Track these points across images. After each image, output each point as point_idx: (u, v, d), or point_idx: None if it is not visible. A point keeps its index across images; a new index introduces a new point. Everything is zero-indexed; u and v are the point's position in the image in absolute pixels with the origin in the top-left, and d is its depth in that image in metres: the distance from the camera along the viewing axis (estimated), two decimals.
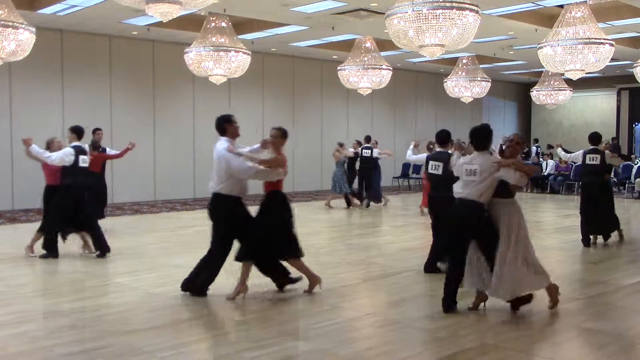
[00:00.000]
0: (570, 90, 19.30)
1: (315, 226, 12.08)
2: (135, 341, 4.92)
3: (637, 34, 15.53)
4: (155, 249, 9.22)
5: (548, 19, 13.17)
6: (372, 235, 10.83)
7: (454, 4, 8.52)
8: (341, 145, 15.28)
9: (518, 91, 26.33)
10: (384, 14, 9.19)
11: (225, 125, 6.38)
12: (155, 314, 5.76)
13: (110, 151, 11.02)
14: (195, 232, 10.94)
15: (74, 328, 5.29)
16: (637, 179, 17.87)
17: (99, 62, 15.23)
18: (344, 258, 8.70)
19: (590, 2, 11.47)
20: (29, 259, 8.33)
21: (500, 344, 4.89)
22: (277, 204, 6.38)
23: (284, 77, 18.89)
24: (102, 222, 9.46)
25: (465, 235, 5.74)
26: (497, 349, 4.78)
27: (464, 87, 17.35)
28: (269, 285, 6.67)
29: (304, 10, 12.56)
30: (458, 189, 5.87)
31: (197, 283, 6.34)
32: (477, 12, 8.75)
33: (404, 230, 11.37)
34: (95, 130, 10.95)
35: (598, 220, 9.61)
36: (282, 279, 6.57)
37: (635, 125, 23.86)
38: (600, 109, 24.42)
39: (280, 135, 6.41)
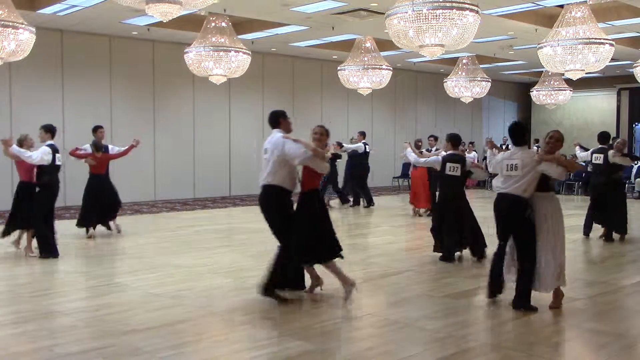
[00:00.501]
0: (570, 90, 19.31)
1: None
2: (135, 341, 4.92)
3: (637, 34, 15.52)
4: (155, 249, 9.22)
5: (548, 19, 13.17)
6: (372, 235, 10.83)
7: (454, 4, 8.53)
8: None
9: (518, 91, 26.33)
10: (384, 14, 9.20)
11: (281, 119, 6.34)
12: (156, 314, 5.76)
13: (112, 149, 10.92)
14: (195, 232, 10.95)
15: (74, 328, 5.28)
16: (637, 179, 17.87)
17: (99, 62, 15.23)
18: (344, 258, 8.69)
19: (590, 2, 11.47)
20: (29, 258, 8.33)
21: (500, 344, 4.89)
22: (318, 202, 6.26)
23: (284, 77, 18.89)
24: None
25: (508, 230, 5.91)
26: (497, 349, 4.78)
27: (464, 87, 17.35)
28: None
29: (304, 10, 12.55)
30: (499, 184, 6.00)
31: (288, 277, 6.17)
32: (477, 12, 8.75)
33: (404, 230, 11.37)
34: (97, 129, 10.78)
35: (604, 214, 9.90)
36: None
37: (635, 125, 23.86)
38: (601, 109, 24.42)
39: (325, 132, 6.36)
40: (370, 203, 14.87)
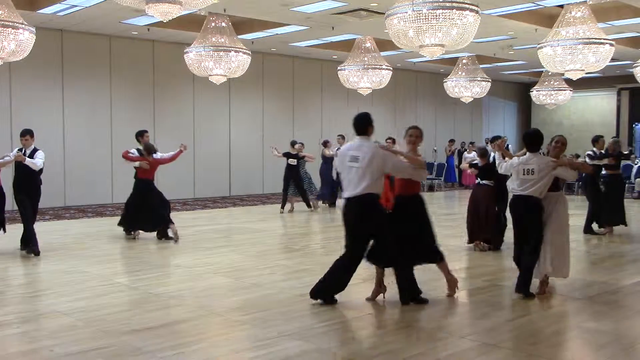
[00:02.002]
0: (570, 90, 19.31)
1: (314, 226, 12.09)
2: (135, 341, 4.92)
3: (637, 34, 15.52)
4: (155, 249, 9.22)
5: (548, 19, 13.17)
6: None
7: (454, 4, 8.53)
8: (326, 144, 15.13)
9: (518, 91, 26.34)
10: (384, 14, 9.20)
11: (370, 128, 6.12)
12: (155, 314, 5.76)
13: (156, 155, 10.27)
14: (195, 232, 10.95)
15: (73, 328, 5.28)
16: (637, 179, 17.86)
17: (99, 62, 15.24)
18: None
19: (590, 2, 11.47)
20: (29, 258, 8.33)
21: (500, 343, 4.89)
22: (422, 205, 6.24)
23: (284, 77, 18.89)
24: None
25: (527, 229, 6.42)
26: (497, 349, 4.78)
27: (464, 87, 17.36)
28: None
29: (304, 10, 12.56)
30: (515, 187, 6.53)
31: (414, 291, 6.09)
32: (477, 12, 8.75)
33: None
34: (143, 133, 10.38)
35: (603, 211, 10.76)
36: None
37: (635, 125, 23.85)
38: (601, 109, 24.42)
39: (421, 134, 6.30)
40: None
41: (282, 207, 13.87)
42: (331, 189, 14.70)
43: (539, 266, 6.46)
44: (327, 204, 14.90)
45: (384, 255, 6.02)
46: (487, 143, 15.54)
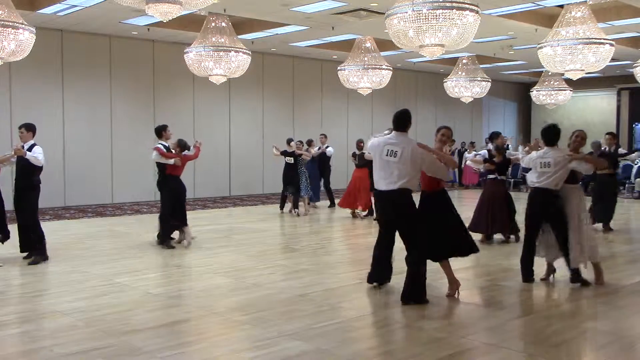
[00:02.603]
0: (570, 90, 19.31)
1: (315, 226, 12.09)
2: (135, 341, 4.92)
3: (637, 34, 15.52)
4: (155, 249, 9.21)
5: (548, 18, 13.17)
6: (372, 235, 10.80)
7: (454, 4, 8.52)
8: (310, 143, 14.99)
9: (518, 91, 26.34)
10: (384, 14, 9.19)
11: (408, 124, 6.33)
12: (155, 314, 5.76)
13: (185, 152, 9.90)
14: (195, 232, 10.93)
15: (74, 328, 5.28)
16: (638, 179, 17.87)
17: (99, 62, 15.24)
18: (343, 258, 8.71)
19: (590, 2, 11.47)
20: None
21: (500, 343, 4.89)
22: (446, 200, 6.44)
23: (284, 77, 18.90)
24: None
25: (542, 219, 6.84)
26: (497, 349, 4.78)
27: (464, 87, 17.35)
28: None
29: (303, 10, 12.56)
30: (533, 179, 6.90)
31: (420, 290, 6.15)
32: (477, 12, 8.74)
33: None
34: (166, 128, 9.80)
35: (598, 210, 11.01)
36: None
37: (636, 125, 23.86)
38: (601, 108, 24.42)
39: (451, 134, 6.65)
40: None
41: (282, 208, 13.82)
42: (318, 188, 14.79)
43: (548, 254, 6.95)
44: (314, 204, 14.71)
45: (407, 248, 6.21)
46: (487, 143, 15.51)
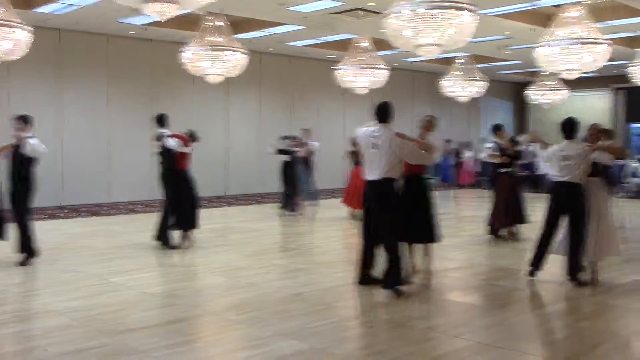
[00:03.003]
0: (567, 90, 19.34)
1: (310, 225, 12.10)
2: (129, 340, 4.93)
3: (633, 34, 15.56)
4: (150, 249, 9.20)
5: (544, 18, 13.18)
6: None
7: (451, 4, 8.52)
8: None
9: (514, 91, 26.36)
10: (381, 13, 9.19)
11: (390, 115, 6.65)
12: (150, 314, 5.77)
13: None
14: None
15: (68, 327, 5.28)
16: (632, 179, 17.92)
17: (96, 61, 15.23)
18: (339, 257, 8.72)
19: (587, 2, 11.48)
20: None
21: (493, 343, 4.90)
22: (426, 186, 6.81)
23: (282, 77, 18.90)
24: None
25: (565, 213, 6.77)
26: (490, 348, 4.79)
27: (461, 87, 17.37)
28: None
29: (301, 10, 12.56)
30: (555, 173, 6.83)
31: (397, 276, 6.33)
32: (474, 11, 8.75)
33: None
34: (164, 116, 9.39)
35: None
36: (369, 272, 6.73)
37: (631, 125, 23.90)
38: (597, 108, 24.45)
39: (435, 122, 7.01)
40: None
41: (283, 208, 13.47)
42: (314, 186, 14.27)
43: (587, 254, 6.80)
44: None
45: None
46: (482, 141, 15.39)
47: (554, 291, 6.70)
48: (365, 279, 6.66)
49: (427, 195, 6.76)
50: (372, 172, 6.42)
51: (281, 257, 8.83)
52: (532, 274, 7.01)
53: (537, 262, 7.02)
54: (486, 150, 10.18)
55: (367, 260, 6.64)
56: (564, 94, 19.31)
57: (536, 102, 19.90)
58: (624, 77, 20.34)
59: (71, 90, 14.89)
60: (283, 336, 5.03)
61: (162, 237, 9.15)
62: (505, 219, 9.80)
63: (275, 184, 14.70)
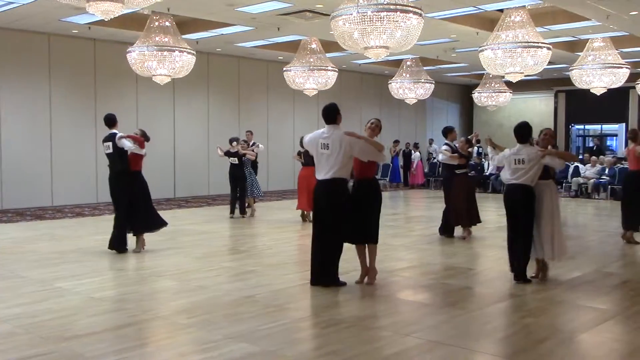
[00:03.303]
0: (510, 92, 19.86)
1: (261, 227, 12.05)
2: (77, 347, 4.80)
3: (573, 38, 16.09)
4: (97, 252, 9.00)
5: (489, 22, 13.50)
6: None
7: (397, 7, 8.65)
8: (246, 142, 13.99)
9: (460, 93, 26.89)
10: (329, 15, 9.25)
11: (338, 116, 6.76)
12: (98, 319, 5.64)
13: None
14: None
15: (12, 335, 5.12)
16: (574, 179, 18.50)
17: (37, 61, 14.81)
18: (290, 258, 8.71)
19: (529, 7, 11.82)
20: None
21: (443, 340, 4.98)
22: (377, 189, 6.94)
23: (230, 78, 18.77)
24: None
25: (520, 215, 6.95)
26: (440, 345, 4.86)
27: (408, 89, 17.63)
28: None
29: (249, 11, 12.51)
30: (507, 176, 7.10)
31: (329, 273, 6.69)
32: (420, 15, 8.90)
33: None
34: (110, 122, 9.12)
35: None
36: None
37: (572, 126, 24.69)
38: (539, 110, 25.18)
39: (380, 125, 7.00)
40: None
41: (232, 212, 13.28)
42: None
43: (535, 251, 7.05)
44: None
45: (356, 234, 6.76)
46: (430, 144, 15.60)
47: (501, 289, 6.85)
48: (319, 279, 6.72)
49: (376, 197, 6.83)
50: (322, 172, 6.60)
51: (232, 260, 8.76)
52: (518, 278, 7.00)
53: (516, 266, 7.05)
54: (443, 152, 10.16)
55: (319, 261, 6.70)
56: (507, 96, 19.81)
57: (481, 104, 20.33)
58: (564, 80, 21.02)
59: (10, 91, 14.42)
60: (234, 339, 5.00)
61: (117, 243, 8.88)
62: (465, 218, 10.04)
63: (223, 186, 14.59)
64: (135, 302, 6.26)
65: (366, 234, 6.79)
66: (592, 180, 18.12)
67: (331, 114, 6.71)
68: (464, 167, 10.12)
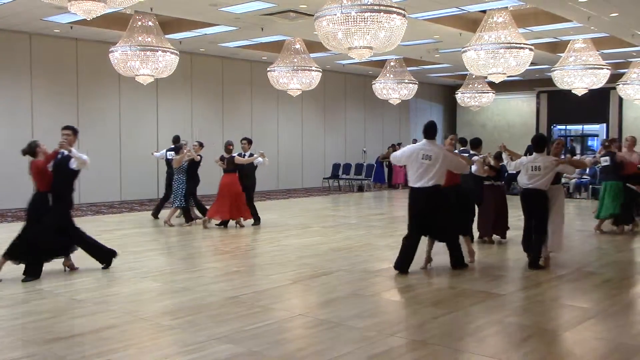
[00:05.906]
0: (493, 93, 19.99)
1: (245, 228, 12.00)
2: (59, 349, 4.76)
3: (555, 40, 16.22)
4: (79, 254, 8.90)
5: (472, 23, 13.58)
6: (302, 236, 10.86)
7: (381, 8, 8.68)
8: (201, 145, 12.64)
9: (444, 93, 27.01)
10: (313, 15, 9.24)
11: (436, 133, 7.72)
12: (80, 321, 5.59)
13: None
14: (121, 236, 10.69)
15: None
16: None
17: (18, 61, 14.65)
18: (274, 259, 8.70)
19: (511, 8, 11.90)
20: None
21: (427, 340, 5.00)
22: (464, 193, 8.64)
23: (213, 78, 18.70)
24: None
25: (534, 215, 7.95)
26: (425, 345, 4.88)
27: (392, 89, 17.68)
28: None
29: (232, 11, 12.47)
30: (524, 181, 8.00)
31: (459, 257, 7.85)
32: (404, 15, 8.93)
33: (334, 230, 11.45)
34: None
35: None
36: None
37: (554, 126, 24.90)
38: (521, 111, 25.36)
39: (457, 139, 8.43)
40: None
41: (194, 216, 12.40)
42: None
43: (553, 246, 7.97)
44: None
45: (442, 233, 7.75)
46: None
47: (484, 288, 6.89)
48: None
49: (465, 199, 8.69)
50: (423, 180, 7.52)
51: (215, 260, 8.73)
52: (532, 266, 7.85)
53: (532, 257, 7.94)
54: (476, 162, 9.63)
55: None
56: (490, 96, 19.93)
57: (465, 105, 20.44)
58: (546, 81, 21.19)
59: None
60: (218, 340, 4.98)
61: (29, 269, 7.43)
62: (489, 229, 10.00)
63: (208, 187, 14.53)
64: (117, 304, 6.22)
65: (460, 228, 8.04)
66: (573, 180, 18.29)
67: (432, 130, 7.66)
68: (495, 178, 9.99)
